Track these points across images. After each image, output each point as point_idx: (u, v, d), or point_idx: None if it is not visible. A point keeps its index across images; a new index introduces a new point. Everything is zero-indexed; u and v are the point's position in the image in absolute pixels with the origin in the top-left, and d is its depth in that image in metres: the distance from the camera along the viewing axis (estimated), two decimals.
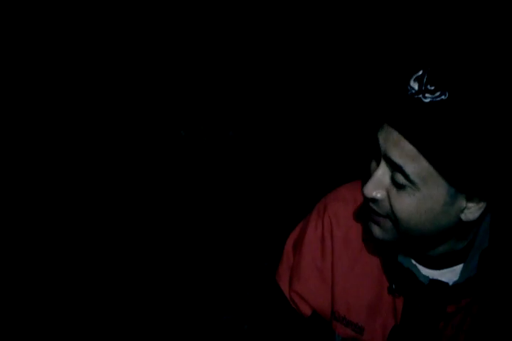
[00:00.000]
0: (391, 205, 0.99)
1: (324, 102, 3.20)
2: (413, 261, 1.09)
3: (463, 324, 1.07)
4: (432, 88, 0.92)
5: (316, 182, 2.80)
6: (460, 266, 1.07)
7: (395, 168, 0.96)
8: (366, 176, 1.04)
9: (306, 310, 1.19)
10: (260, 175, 3.01)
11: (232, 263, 2.51)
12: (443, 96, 0.92)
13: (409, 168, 0.94)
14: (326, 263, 1.17)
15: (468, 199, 0.97)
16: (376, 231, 1.04)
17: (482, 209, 0.98)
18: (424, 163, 0.94)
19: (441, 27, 2.93)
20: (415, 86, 0.94)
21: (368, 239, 1.15)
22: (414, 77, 0.95)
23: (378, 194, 0.99)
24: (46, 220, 2.63)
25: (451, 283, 1.06)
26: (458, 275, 1.07)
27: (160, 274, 2.45)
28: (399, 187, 0.97)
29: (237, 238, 2.65)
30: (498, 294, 1.04)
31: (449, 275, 1.07)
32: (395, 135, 0.95)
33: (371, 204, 1.02)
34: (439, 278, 1.07)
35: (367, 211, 1.04)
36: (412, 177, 0.95)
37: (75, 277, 2.38)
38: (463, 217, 0.99)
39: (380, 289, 1.13)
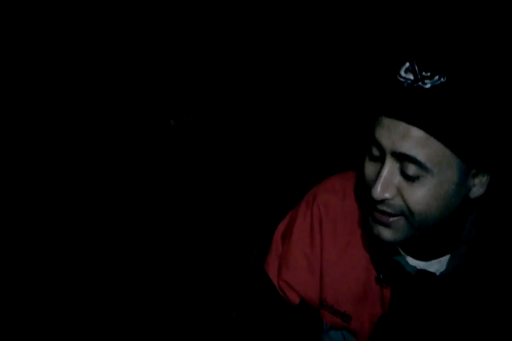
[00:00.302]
0: (405, 201, 0.97)
1: (315, 91, 3.20)
2: (401, 252, 1.10)
3: (450, 314, 1.08)
4: (428, 74, 0.94)
5: (305, 172, 2.80)
6: (447, 257, 1.08)
7: (406, 160, 0.95)
8: (360, 170, 1.04)
9: (294, 299, 1.20)
10: (250, 164, 3.02)
11: (220, 252, 2.52)
12: (442, 79, 0.94)
13: (423, 156, 0.94)
14: (315, 252, 1.18)
15: (475, 176, 0.99)
16: (385, 233, 1.02)
17: (486, 184, 1.00)
18: (436, 147, 0.94)
19: (421, 20, 2.94)
20: (410, 76, 0.95)
21: (356, 229, 1.16)
22: (403, 69, 0.96)
23: (388, 193, 0.98)
24: (39, 218, 2.62)
25: (438, 274, 1.07)
26: (445, 265, 1.08)
27: (148, 263, 2.46)
28: (411, 179, 0.96)
29: (226, 227, 2.66)
30: (485, 284, 1.06)
31: (436, 265, 1.08)
32: (402, 127, 0.94)
33: (379, 206, 1.00)
34: (427, 269, 1.08)
35: (371, 214, 1.02)
36: (426, 164, 0.94)
37: (68, 270, 2.38)
38: (471, 194, 1.00)
39: (367, 279, 1.14)
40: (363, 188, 1.04)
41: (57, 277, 2.36)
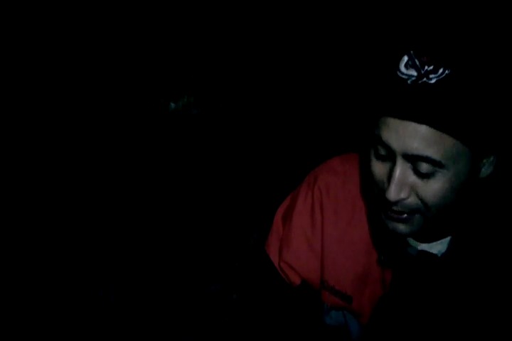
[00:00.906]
0: (421, 198, 0.96)
1: (316, 81, 3.19)
2: None
3: (451, 295, 1.09)
4: (431, 67, 0.91)
5: (304, 154, 2.80)
6: (448, 238, 1.08)
7: (418, 160, 0.93)
8: (366, 168, 1.01)
9: (296, 280, 1.21)
10: (249, 148, 3.01)
11: (220, 234, 2.52)
12: (446, 71, 0.90)
13: (436, 153, 0.92)
14: (316, 233, 1.19)
15: (484, 157, 0.98)
16: (401, 228, 1.00)
17: (494, 163, 0.99)
18: (448, 142, 0.92)
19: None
20: (412, 72, 0.91)
21: (357, 211, 1.16)
22: (402, 64, 0.93)
23: (403, 194, 0.96)
24: (37, 218, 2.62)
25: (439, 255, 1.08)
26: (446, 247, 1.08)
27: (148, 247, 2.46)
28: (426, 176, 0.94)
29: (226, 209, 2.66)
30: (486, 265, 1.06)
31: (438, 247, 1.08)
32: (411, 127, 0.91)
33: (394, 206, 0.98)
34: (428, 250, 1.08)
35: (384, 212, 1.01)
36: (441, 160, 0.92)
37: (65, 268, 2.39)
38: (481, 174, 0.99)
39: (369, 260, 1.14)
40: (372, 186, 1.02)
41: (56, 272, 2.36)
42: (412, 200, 0.96)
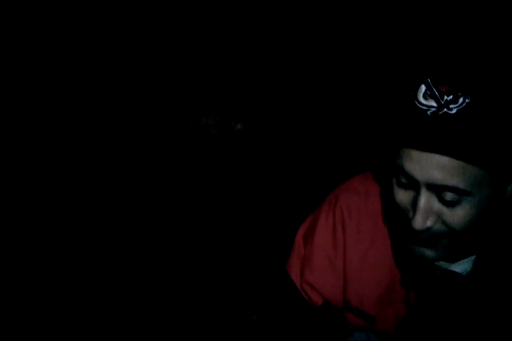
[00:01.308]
0: (447, 224, 0.95)
1: (332, 100, 3.20)
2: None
3: (477, 315, 1.07)
4: (451, 98, 0.89)
5: (325, 174, 2.80)
6: (473, 257, 1.07)
7: (443, 189, 0.92)
8: (388, 195, 1.00)
9: (318, 300, 1.20)
10: (269, 167, 3.01)
11: (240, 254, 2.52)
12: (467, 100, 0.89)
13: (461, 183, 0.90)
14: (338, 253, 1.18)
15: (510, 181, 0.97)
16: (428, 252, 1.00)
17: None
18: (473, 170, 0.90)
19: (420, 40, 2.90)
20: (432, 103, 0.89)
21: (379, 231, 1.16)
22: (420, 95, 0.91)
23: (429, 222, 0.95)
24: (46, 220, 2.63)
25: (464, 274, 1.06)
26: (471, 265, 1.07)
27: (169, 265, 2.46)
28: (451, 204, 0.93)
29: (246, 229, 2.66)
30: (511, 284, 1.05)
31: (463, 266, 1.07)
32: (434, 159, 0.90)
33: (421, 234, 0.96)
34: (452, 269, 1.07)
35: (411, 238, 1.00)
36: (466, 189, 0.91)
37: (75, 274, 2.39)
38: (507, 194, 0.98)
39: (392, 280, 1.13)
40: (395, 213, 1.01)
41: (61, 276, 2.37)
42: (439, 227, 0.96)
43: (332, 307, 1.20)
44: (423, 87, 0.91)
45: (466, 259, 1.07)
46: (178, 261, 2.48)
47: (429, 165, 0.91)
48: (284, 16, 3.21)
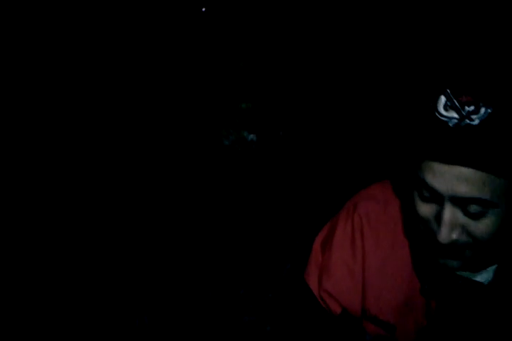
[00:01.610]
0: (473, 236, 0.93)
1: (348, 109, 3.19)
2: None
3: (497, 324, 1.06)
4: (472, 108, 0.87)
5: (337, 186, 2.78)
6: (494, 267, 1.05)
7: (468, 202, 0.90)
8: (410, 208, 0.98)
9: (336, 309, 1.18)
10: (282, 178, 3.00)
11: (254, 265, 2.51)
12: (489, 110, 0.87)
13: (486, 195, 0.89)
14: (357, 261, 1.16)
15: None
16: (452, 263, 0.98)
17: None
18: (497, 181, 0.89)
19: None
20: (453, 114, 0.88)
21: (398, 239, 1.14)
22: (441, 106, 0.89)
23: (454, 235, 0.93)
24: (48, 220, 2.63)
25: (485, 283, 1.05)
26: (492, 275, 1.05)
27: (181, 274, 2.45)
28: (477, 216, 0.91)
29: (260, 240, 2.64)
30: None
31: (484, 275, 1.05)
32: (458, 171, 0.88)
33: (446, 247, 0.95)
34: (473, 278, 1.06)
35: (434, 250, 0.98)
36: (492, 200, 0.89)
37: (77, 277, 2.38)
38: None
39: (411, 288, 1.12)
40: (418, 225, 1.00)
41: (62, 277, 2.36)
42: (464, 238, 0.94)
43: (351, 316, 1.18)
44: (443, 98, 0.90)
45: (487, 269, 1.06)
46: (192, 271, 2.47)
47: (453, 178, 0.89)
48: (304, 26, 3.22)
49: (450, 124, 0.88)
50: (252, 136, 3.26)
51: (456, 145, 0.87)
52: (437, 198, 0.93)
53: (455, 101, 0.88)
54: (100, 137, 3.06)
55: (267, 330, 2.18)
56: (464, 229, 0.93)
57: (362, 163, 2.90)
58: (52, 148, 2.96)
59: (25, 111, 3.03)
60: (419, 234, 1.01)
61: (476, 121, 0.86)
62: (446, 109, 0.89)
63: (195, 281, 2.43)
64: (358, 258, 1.16)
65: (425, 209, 0.96)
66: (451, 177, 0.89)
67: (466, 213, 0.92)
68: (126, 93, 3.18)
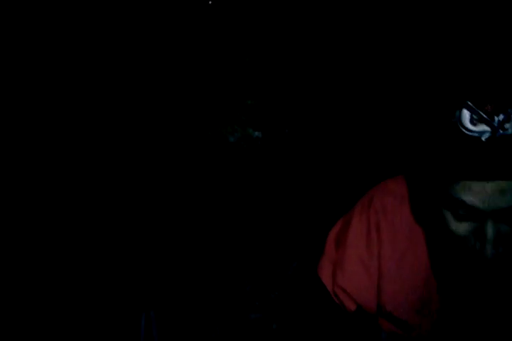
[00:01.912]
0: None
1: (356, 111, 3.17)
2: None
3: None
4: (502, 117, 0.82)
5: (343, 186, 2.76)
6: None
7: (510, 213, 0.87)
8: (442, 227, 0.95)
9: (351, 306, 1.16)
10: (287, 176, 2.99)
11: (260, 263, 2.49)
12: None
13: None
14: (372, 257, 1.14)
15: None
16: (491, 271, 0.95)
17: None
18: None
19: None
20: (484, 127, 0.83)
21: (415, 236, 1.12)
22: (466, 121, 0.83)
23: (500, 248, 0.90)
24: (53, 220, 2.61)
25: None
26: None
27: (185, 273, 2.44)
28: None
29: (265, 238, 2.63)
30: None
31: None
32: (499, 186, 0.84)
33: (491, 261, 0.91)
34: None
35: (477, 263, 0.94)
36: None
37: (74, 275, 2.37)
38: None
39: (428, 287, 1.10)
40: (452, 244, 0.95)
41: (61, 277, 2.34)
42: (508, 247, 0.91)
43: (365, 313, 1.16)
44: (466, 112, 0.84)
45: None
46: (198, 268, 2.46)
47: (494, 193, 0.85)
48: (313, 32, 3.21)
49: (483, 139, 0.83)
50: (257, 133, 3.24)
51: (494, 161, 0.83)
52: (476, 215, 0.89)
53: (481, 113, 0.83)
54: (101, 135, 3.04)
55: (274, 328, 2.16)
56: (507, 238, 0.90)
57: (369, 160, 2.88)
58: (52, 148, 2.94)
59: (25, 111, 3.02)
60: (455, 252, 0.97)
61: (511, 130, 0.82)
62: (473, 123, 0.83)
63: (201, 278, 2.41)
64: (374, 252, 1.14)
65: (463, 228, 0.92)
66: (492, 193, 0.85)
67: (509, 223, 0.88)
68: (128, 92, 3.17)
